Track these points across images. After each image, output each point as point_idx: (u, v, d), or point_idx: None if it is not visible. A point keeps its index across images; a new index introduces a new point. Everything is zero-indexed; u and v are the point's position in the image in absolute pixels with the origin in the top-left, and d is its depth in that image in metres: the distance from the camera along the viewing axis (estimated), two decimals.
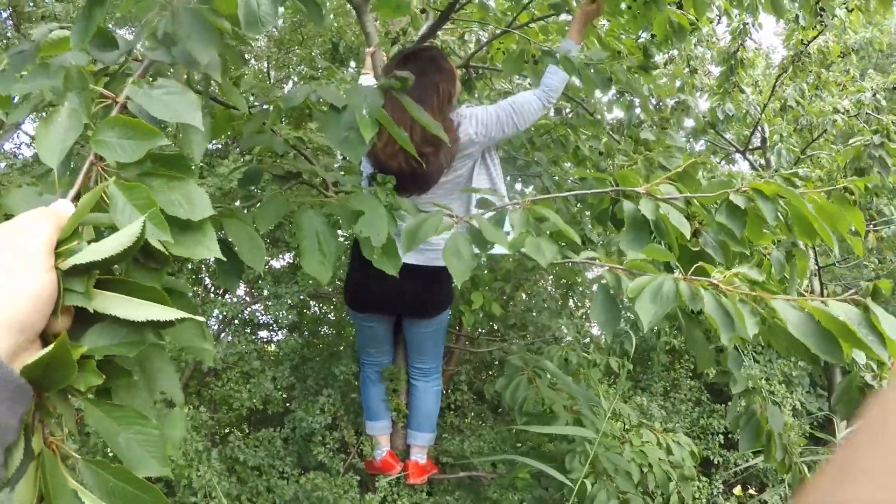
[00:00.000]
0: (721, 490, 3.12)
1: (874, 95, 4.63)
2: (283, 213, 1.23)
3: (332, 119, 1.11)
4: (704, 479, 2.97)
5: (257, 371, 2.58)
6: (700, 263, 1.18)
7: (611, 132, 2.31)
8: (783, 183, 2.93)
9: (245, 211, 1.26)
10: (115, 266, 0.61)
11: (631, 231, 1.28)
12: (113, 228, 0.64)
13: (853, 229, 1.47)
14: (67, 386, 0.55)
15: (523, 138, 2.28)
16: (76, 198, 0.70)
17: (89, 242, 0.59)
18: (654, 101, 3.10)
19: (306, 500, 2.45)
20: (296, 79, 3.63)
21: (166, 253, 0.66)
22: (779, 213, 1.56)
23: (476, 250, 1.20)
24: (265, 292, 3.07)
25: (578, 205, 2.25)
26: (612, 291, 1.17)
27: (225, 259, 1.04)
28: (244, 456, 2.66)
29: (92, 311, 0.57)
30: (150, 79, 0.87)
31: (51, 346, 0.53)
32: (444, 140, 1.29)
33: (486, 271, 2.64)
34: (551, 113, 2.57)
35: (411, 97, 1.48)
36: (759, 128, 4.85)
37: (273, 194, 1.23)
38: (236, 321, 3.08)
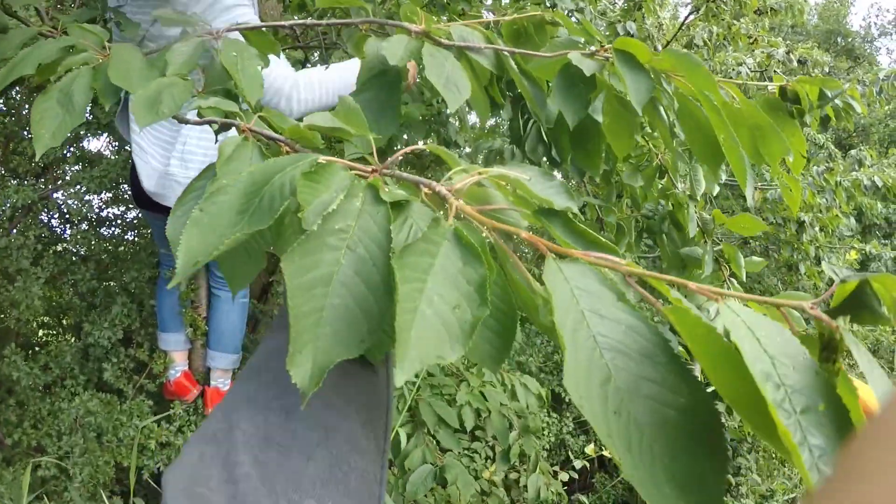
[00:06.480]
0: (571, 428, 2.93)
1: (788, 53, 4.47)
2: None
3: None
4: (555, 415, 2.76)
5: (25, 272, 2.08)
6: None
7: None
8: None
9: None
10: None
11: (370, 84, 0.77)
12: None
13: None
14: None
15: None
16: None
17: None
18: None
19: (80, 428, 2.02)
20: None
21: None
22: (662, 109, 1.13)
23: None
24: (67, 177, 2.53)
25: None
26: None
27: None
28: (18, 374, 2.17)
29: None
30: None
31: None
32: None
33: None
34: None
35: None
36: None
37: None
38: (28, 211, 2.52)
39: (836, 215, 4.56)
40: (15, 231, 2.49)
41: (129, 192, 2.61)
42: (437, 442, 1.57)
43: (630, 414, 0.36)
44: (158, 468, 1.97)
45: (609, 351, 0.38)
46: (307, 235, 0.44)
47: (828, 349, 0.39)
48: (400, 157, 0.57)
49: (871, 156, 5.61)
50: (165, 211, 1.69)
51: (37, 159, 2.19)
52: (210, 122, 0.68)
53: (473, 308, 0.41)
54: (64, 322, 2.53)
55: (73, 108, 0.70)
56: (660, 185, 1.83)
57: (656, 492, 0.34)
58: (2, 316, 2.46)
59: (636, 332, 0.39)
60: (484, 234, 0.48)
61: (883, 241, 6.42)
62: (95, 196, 2.55)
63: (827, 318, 0.39)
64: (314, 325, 0.42)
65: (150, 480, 2.09)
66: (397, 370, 0.35)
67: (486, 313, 0.41)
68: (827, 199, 4.70)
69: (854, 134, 9.35)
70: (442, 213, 0.49)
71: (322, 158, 0.51)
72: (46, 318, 2.51)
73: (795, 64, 4.40)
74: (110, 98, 0.72)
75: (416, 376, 1.56)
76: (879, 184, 4.95)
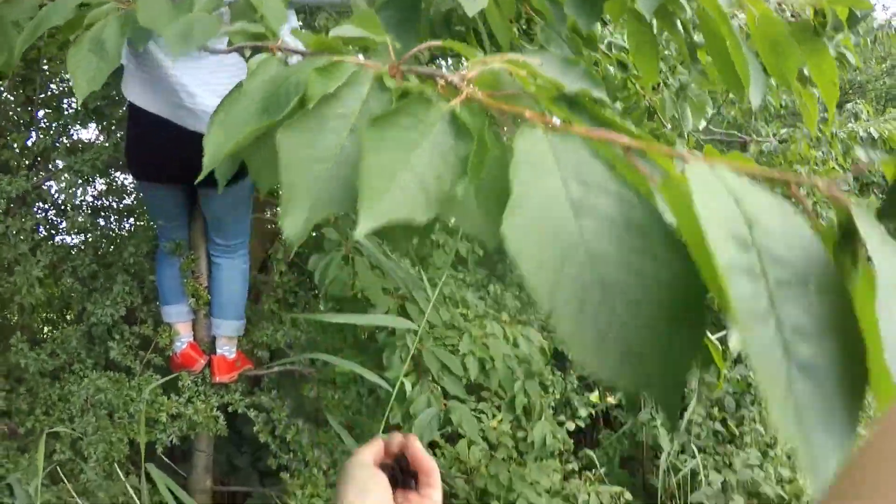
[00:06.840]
0: (576, 385, 2.94)
1: (780, 5, 4.42)
2: None
3: None
4: (559, 373, 2.76)
5: (24, 257, 2.09)
6: None
7: None
8: None
9: None
10: None
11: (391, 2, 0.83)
12: None
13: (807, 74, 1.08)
14: None
15: None
16: None
17: None
18: None
19: (91, 407, 2.04)
20: None
21: None
22: (680, 24, 1.18)
23: None
24: (59, 164, 2.53)
25: None
26: None
27: None
28: (26, 361, 2.19)
29: None
30: None
31: None
32: None
33: None
34: None
35: None
36: None
37: None
38: (23, 202, 2.53)
39: (833, 168, 4.55)
40: (11, 220, 2.51)
41: (126, 178, 2.63)
42: (443, 389, 1.59)
43: (596, 275, 0.31)
44: (171, 440, 1.99)
45: (588, 218, 0.33)
46: (305, 112, 0.46)
47: (846, 238, 0.30)
48: (418, 52, 0.58)
49: (868, 111, 5.56)
50: (166, 181, 1.72)
51: (78, 105, 2.21)
52: (240, 49, 0.70)
53: (454, 176, 0.41)
54: (68, 317, 2.56)
55: (105, 54, 0.73)
56: (650, 127, 1.84)
57: (598, 357, 0.30)
58: (6, 313, 2.48)
59: (627, 202, 0.34)
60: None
61: (881, 198, 6.40)
62: (90, 186, 2.56)
63: (844, 197, 0.29)
64: (312, 188, 0.45)
65: (162, 456, 2.10)
66: (360, 220, 0.35)
67: (465, 181, 0.41)
68: (823, 153, 4.66)
69: (850, 91, 9.33)
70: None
71: (337, 57, 0.52)
72: (51, 315, 2.53)
73: (789, 16, 4.36)
74: (143, 41, 0.77)
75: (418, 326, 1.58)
76: (876, 135, 4.90)
